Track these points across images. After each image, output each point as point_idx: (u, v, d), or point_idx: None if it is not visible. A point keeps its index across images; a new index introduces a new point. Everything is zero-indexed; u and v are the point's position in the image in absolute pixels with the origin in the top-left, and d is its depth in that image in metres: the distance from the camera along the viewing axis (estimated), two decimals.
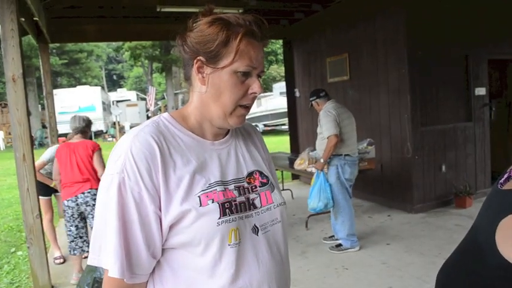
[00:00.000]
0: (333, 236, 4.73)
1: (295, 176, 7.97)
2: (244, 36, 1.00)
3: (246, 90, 1.03)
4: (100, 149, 4.05)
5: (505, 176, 1.26)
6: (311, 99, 4.61)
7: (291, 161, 5.44)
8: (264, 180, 1.14)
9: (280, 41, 9.12)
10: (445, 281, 1.44)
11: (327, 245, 4.68)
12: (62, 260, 4.72)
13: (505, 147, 6.74)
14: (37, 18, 5.21)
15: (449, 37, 5.65)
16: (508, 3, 6.00)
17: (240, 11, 5.86)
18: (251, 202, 1.06)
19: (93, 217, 3.86)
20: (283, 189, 7.13)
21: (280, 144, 12.65)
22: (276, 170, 6.49)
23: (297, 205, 6.30)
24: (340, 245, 4.53)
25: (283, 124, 15.77)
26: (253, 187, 1.10)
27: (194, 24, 1.04)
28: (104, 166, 3.85)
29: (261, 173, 1.15)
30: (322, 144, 4.40)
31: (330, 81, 6.90)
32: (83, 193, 3.91)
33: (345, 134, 4.36)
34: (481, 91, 6.06)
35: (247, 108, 1.07)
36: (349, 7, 6.37)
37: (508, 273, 1.11)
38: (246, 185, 1.09)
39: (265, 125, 19.24)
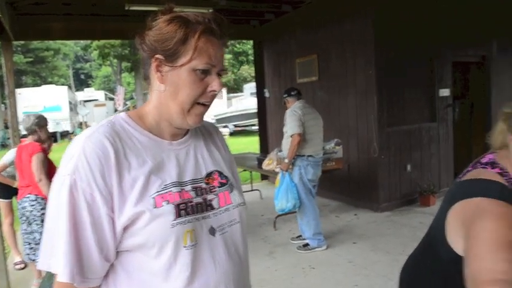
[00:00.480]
0: (301, 235, 4.76)
1: (264, 177, 7.99)
2: (203, 33, 0.99)
3: (204, 88, 1.02)
4: (41, 152, 3.71)
5: (464, 171, 1.31)
6: (283, 96, 4.66)
7: (260, 162, 5.44)
8: (223, 181, 1.12)
9: (251, 42, 9.11)
10: (407, 280, 1.47)
11: (295, 245, 4.71)
12: (22, 266, 4.56)
13: (468, 147, 6.95)
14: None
15: (416, 40, 5.80)
16: (471, 9, 6.21)
17: (210, 10, 5.82)
18: (208, 203, 1.05)
19: (36, 223, 3.74)
20: (251, 190, 7.15)
21: (250, 144, 12.64)
22: (245, 170, 6.60)
23: (266, 205, 6.31)
24: (307, 244, 4.57)
25: (254, 125, 15.76)
26: (212, 188, 1.08)
27: (153, 23, 1.02)
28: (41, 171, 3.61)
29: (220, 173, 1.13)
30: (287, 143, 4.43)
31: (299, 81, 6.95)
32: (23, 198, 3.75)
33: (308, 135, 4.39)
34: (445, 92, 6.24)
35: (206, 106, 1.05)
36: (319, 8, 6.44)
37: (458, 266, 1.13)
38: (204, 185, 1.07)
39: (235, 126, 19.19)
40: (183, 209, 0.98)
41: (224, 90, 23.57)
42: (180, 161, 1.06)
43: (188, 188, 1.03)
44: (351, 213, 5.84)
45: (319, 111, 4.74)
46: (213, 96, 1.05)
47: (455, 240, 1.16)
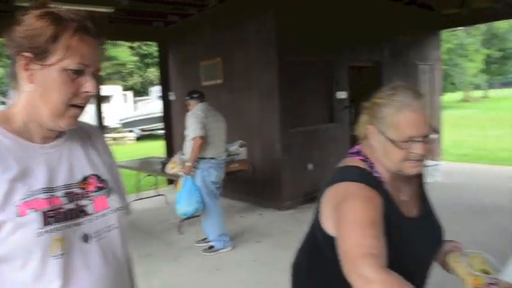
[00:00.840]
0: (206, 238, 4.75)
1: (170, 181, 7.84)
2: (76, 32, 0.95)
3: (77, 89, 0.97)
4: None
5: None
6: (185, 98, 4.62)
7: (164, 165, 5.34)
8: (101, 185, 1.08)
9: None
10: (295, 268, 1.54)
11: (200, 248, 4.69)
12: None
13: None
14: None
15: (316, 44, 6.11)
16: (365, 18, 6.71)
17: (112, 10, 5.60)
18: (81, 209, 1.00)
19: None
20: (157, 195, 6.99)
21: (157, 149, 12.34)
22: (149, 175, 6.43)
23: (171, 210, 6.15)
24: (212, 246, 4.58)
25: (161, 129, 15.43)
26: (87, 193, 1.04)
27: (22, 18, 0.95)
28: None
29: (98, 177, 1.09)
30: (189, 146, 4.40)
31: (204, 84, 6.95)
32: None
33: (210, 137, 4.40)
34: (342, 95, 6.65)
35: (81, 108, 1.01)
36: (223, 11, 6.51)
37: (332, 246, 1.21)
38: (78, 190, 1.02)
39: (142, 130, 18.61)
40: (51, 217, 0.93)
41: (130, 94, 22.76)
42: (51, 165, 1.00)
43: (59, 193, 0.98)
44: (256, 213, 5.96)
45: (224, 113, 4.78)
46: (88, 98, 1.01)
47: (328, 223, 1.26)
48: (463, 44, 29.06)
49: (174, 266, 4.30)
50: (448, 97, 33.49)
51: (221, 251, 4.55)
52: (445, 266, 1.37)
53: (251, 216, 5.83)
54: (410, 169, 1.24)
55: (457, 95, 35.85)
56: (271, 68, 5.81)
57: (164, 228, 5.55)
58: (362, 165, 1.29)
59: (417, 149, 1.21)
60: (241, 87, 6.34)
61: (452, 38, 27.94)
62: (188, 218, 4.78)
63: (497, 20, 15.32)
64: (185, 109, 4.67)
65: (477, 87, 39.90)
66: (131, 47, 24.67)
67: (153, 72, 26.62)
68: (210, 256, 4.49)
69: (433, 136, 1.25)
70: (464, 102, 33.81)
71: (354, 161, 1.31)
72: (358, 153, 1.34)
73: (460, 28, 26.22)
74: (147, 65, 25.85)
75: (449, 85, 29.18)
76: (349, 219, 1.13)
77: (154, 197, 6.96)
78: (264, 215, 5.85)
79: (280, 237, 4.89)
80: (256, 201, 6.29)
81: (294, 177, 6.02)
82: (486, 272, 1.19)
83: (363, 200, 1.16)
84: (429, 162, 7.57)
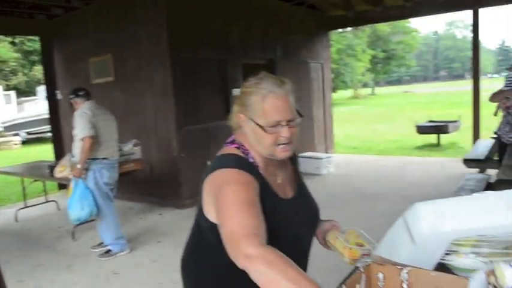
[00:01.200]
0: (102, 243, 4.53)
1: (62, 186, 7.34)
2: None
3: None
4: None
5: None
6: (69, 97, 4.30)
7: (52, 169, 4.96)
8: None
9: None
10: (184, 259, 1.53)
11: (96, 253, 4.45)
12: None
13: None
14: None
15: (209, 42, 6.11)
16: (256, 17, 6.88)
17: None
18: None
19: None
20: (46, 202, 6.50)
21: (46, 153, 11.47)
22: (36, 180, 5.95)
23: (64, 216, 5.75)
24: (109, 251, 4.37)
25: (51, 131, 14.38)
26: None
27: None
28: None
29: None
30: (78, 147, 4.14)
31: (94, 82, 6.59)
32: None
33: (101, 137, 4.19)
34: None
35: None
36: (111, 4, 6.22)
37: (215, 232, 1.24)
38: None
39: (28, 133, 17.12)
40: None
41: (13, 94, 20.82)
42: None
43: None
44: (155, 213, 5.82)
45: (116, 112, 4.58)
46: None
47: (209, 210, 1.29)
48: (351, 44, 31.29)
49: (68, 275, 4.03)
50: (340, 94, 35.87)
51: (119, 254, 4.36)
52: (324, 243, 1.47)
53: (151, 217, 5.68)
54: (280, 153, 1.32)
55: (348, 93, 38.46)
56: (164, 65, 5.69)
57: (56, 235, 5.18)
58: (237, 152, 1.34)
59: (284, 132, 1.29)
60: (134, 85, 6.12)
61: (342, 39, 29.96)
62: (82, 223, 4.49)
63: (379, 22, 16.76)
64: (72, 109, 4.39)
65: (365, 85, 43.26)
66: (12, 43, 22.63)
67: (40, 71, 24.70)
68: (108, 261, 4.28)
69: (298, 120, 1.33)
70: (354, 99, 36.39)
71: (229, 150, 1.36)
72: (233, 142, 1.39)
73: (348, 29, 28.21)
74: (33, 63, 23.86)
75: (340, 83, 31.25)
76: (228, 203, 1.16)
77: (44, 204, 6.45)
78: (164, 214, 5.74)
79: (181, 236, 4.77)
80: (156, 201, 6.14)
81: (192, 175, 5.96)
82: (360, 245, 1.29)
83: (239, 183, 1.20)
84: (322, 155, 8.04)
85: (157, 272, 3.93)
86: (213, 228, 1.26)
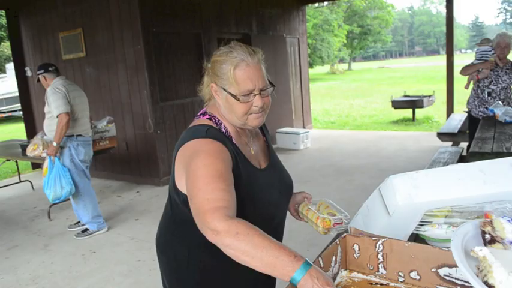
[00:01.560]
0: (79, 222, 4.48)
1: (35, 165, 7.19)
2: None
3: None
4: None
5: None
6: (38, 72, 4.14)
7: (24, 148, 4.83)
8: None
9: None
10: (158, 239, 1.52)
11: (73, 232, 4.41)
12: None
13: None
14: None
15: (183, 15, 5.97)
16: None
17: None
18: None
19: None
20: (20, 181, 6.36)
21: (18, 132, 11.18)
22: (8, 160, 5.80)
23: (39, 196, 5.71)
24: (86, 229, 4.33)
25: (21, 110, 13.95)
26: None
27: None
28: None
29: None
30: (51, 124, 4.04)
31: (64, 58, 6.40)
32: None
33: (76, 113, 4.09)
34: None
35: None
36: None
37: (189, 206, 1.21)
38: None
39: None
40: None
41: None
42: None
43: None
44: (133, 191, 5.78)
45: (89, 88, 4.48)
46: None
47: (182, 183, 1.27)
48: (328, 19, 31.12)
49: (45, 255, 3.98)
50: (317, 70, 35.89)
51: (96, 233, 4.33)
52: (297, 215, 1.48)
53: (128, 195, 5.63)
54: (253, 122, 1.31)
55: (325, 68, 38.51)
56: (136, 39, 5.55)
57: (31, 216, 5.09)
58: (209, 123, 1.32)
59: (256, 101, 1.28)
60: (107, 60, 5.96)
61: (318, 14, 29.77)
62: (59, 202, 4.41)
63: None
64: (39, 85, 4.25)
65: (341, 60, 43.36)
66: None
67: (8, 47, 23.80)
68: (85, 240, 4.24)
69: (270, 89, 1.32)
70: (330, 74, 36.48)
71: (200, 121, 1.35)
72: (204, 114, 1.37)
73: (324, 4, 28.02)
74: (1, 39, 22.96)
75: (317, 58, 31.20)
76: (198, 175, 1.14)
77: (17, 184, 6.32)
78: (142, 192, 5.70)
79: (159, 213, 4.70)
80: (133, 178, 6.08)
81: (170, 152, 5.92)
82: (332, 215, 1.30)
83: (209, 154, 1.18)
84: (300, 130, 8.07)
85: (136, 250, 3.92)
86: (187, 202, 1.24)
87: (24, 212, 5.29)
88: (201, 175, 1.13)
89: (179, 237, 1.39)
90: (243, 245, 0.99)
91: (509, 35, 4.62)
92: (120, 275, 3.49)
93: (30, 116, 7.47)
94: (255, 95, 1.27)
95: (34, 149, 4.49)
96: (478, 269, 0.79)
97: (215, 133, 1.28)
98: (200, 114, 1.38)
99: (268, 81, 1.32)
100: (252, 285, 1.42)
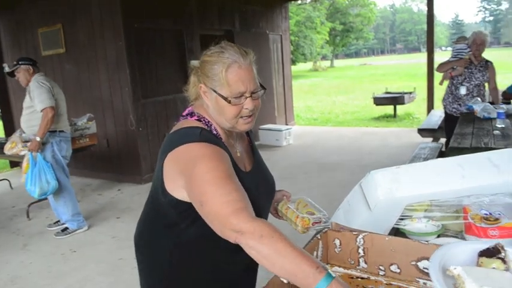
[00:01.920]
0: (58, 221, 4.41)
1: (14, 164, 7.04)
2: None
3: None
4: None
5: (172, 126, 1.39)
6: (23, 63, 4.03)
7: (2, 146, 4.73)
8: None
9: None
10: (137, 239, 1.49)
11: (53, 231, 4.33)
12: None
13: None
14: None
15: (165, 11, 5.91)
16: None
17: None
18: None
19: None
20: None
21: None
22: None
23: (18, 195, 5.61)
24: (66, 228, 4.26)
25: None
26: None
27: None
28: None
29: None
30: (32, 119, 3.97)
31: (44, 54, 6.27)
32: None
33: (60, 109, 4.05)
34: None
35: None
36: None
37: (178, 209, 1.23)
38: None
39: None
40: None
41: None
42: None
43: None
44: (114, 189, 5.71)
45: (69, 85, 4.43)
46: None
47: (174, 189, 1.23)
48: (310, 17, 31.25)
49: (24, 255, 3.91)
50: (300, 67, 36.03)
51: (77, 232, 4.26)
52: (275, 213, 1.48)
53: (110, 193, 5.56)
54: (243, 125, 1.29)
55: (307, 65, 38.68)
56: (117, 36, 5.47)
57: (10, 215, 4.99)
58: (199, 124, 1.28)
59: (247, 104, 1.25)
60: (87, 57, 5.86)
61: (300, 11, 29.84)
62: (45, 198, 4.32)
63: None
64: (12, 75, 4.18)
65: (324, 57, 43.61)
66: None
67: None
68: (65, 239, 4.18)
69: (261, 92, 1.30)
70: (313, 71, 36.65)
71: (189, 123, 1.29)
72: (191, 114, 1.32)
73: (306, 1, 28.12)
74: None
75: (300, 55, 31.31)
76: (206, 180, 1.11)
77: None
78: (124, 190, 5.64)
79: (141, 211, 4.75)
80: (114, 177, 6.01)
81: (151, 149, 5.87)
82: (311, 213, 1.30)
83: (212, 158, 1.15)
84: (282, 127, 8.09)
85: (117, 248, 3.88)
86: (176, 206, 1.23)
87: (2, 211, 5.18)
88: (209, 179, 1.11)
89: (161, 238, 1.36)
90: (266, 249, 0.98)
91: (485, 33, 4.73)
92: (101, 274, 3.44)
93: (9, 113, 7.31)
94: (246, 98, 1.24)
95: (12, 147, 4.39)
96: (455, 286, 0.82)
97: (209, 136, 1.24)
98: (187, 115, 1.33)
99: (259, 83, 1.29)
100: (234, 285, 1.41)
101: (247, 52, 1.27)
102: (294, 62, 28.22)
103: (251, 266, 1.38)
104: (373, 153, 6.75)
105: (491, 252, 0.92)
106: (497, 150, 1.73)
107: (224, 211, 1.06)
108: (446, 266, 0.86)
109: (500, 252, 0.92)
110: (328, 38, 36.01)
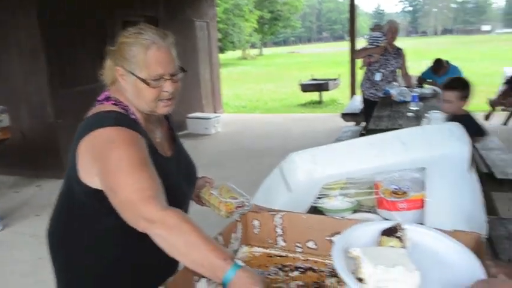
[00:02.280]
0: None
1: None
2: None
3: None
4: None
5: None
6: None
7: None
8: None
9: None
10: (51, 233, 1.40)
11: None
12: None
13: None
14: None
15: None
16: None
17: None
18: None
19: None
20: None
21: None
22: None
23: None
24: None
25: None
26: None
27: None
28: None
29: None
30: None
31: None
32: None
33: None
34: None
35: None
36: None
37: (94, 198, 1.18)
38: None
39: None
40: None
41: None
42: None
43: None
44: (33, 185, 5.37)
45: None
46: None
47: (88, 176, 1.18)
48: (239, 4, 31.18)
49: None
50: (228, 55, 35.95)
51: None
52: (198, 200, 1.46)
53: (27, 190, 5.23)
54: (162, 108, 1.25)
55: (236, 53, 38.69)
56: (32, 24, 5.10)
57: None
58: (116, 109, 1.22)
59: (167, 87, 1.22)
60: None
61: None
62: None
63: None
64: None
65: (253, 46, 43.86)
66: None
67: None
68: None
69: (180, 75, 1.27)
70: (242, 59, 36.74)
71: (105, 107, 1.23)
72: (107, 99, 1.26)
73: None
74: None
75: (229, 43, 31.21)
76: (118, 166, 1.08)
77: None
78: (43, 186, 5.32)
79: None
80: (32, 172, 5.64)
81: (72, 142, 5.58)
82: (234, 198, 1.31)
83: (127, 144, 1.12)
84: (211, 115, 8.05)
85: (37, 247, 3.65)
86: (92, 195, 1.17)
87: None
88: (122, 165, 1.07)
89: (78, 230, 1.29)
90: (174, 239, 0.98)
91: (397, 22, 5.19)
92: (21, 275, 3.25)
93: None
94: (165, 80, 1.21)
95: None
96: (356, 267, 0.87)
97: (125, 120, 1.19)
98: (103, 100, 1.26)
99: (180, 66, 1.26)
100: (156, 277, 1.37)
101: (166, 34, 1.23)
102: (222, 50, 28.07)
103: None
104: (299, 138, 6.93)
105: (391, 231, 0.98)
106: (405, 129, 1.84)
107: (133, 199, 1.04)
108: (350, 248, 0.89)
109: (397, 231, 0.97)
110: (256, 26, 36.20)
